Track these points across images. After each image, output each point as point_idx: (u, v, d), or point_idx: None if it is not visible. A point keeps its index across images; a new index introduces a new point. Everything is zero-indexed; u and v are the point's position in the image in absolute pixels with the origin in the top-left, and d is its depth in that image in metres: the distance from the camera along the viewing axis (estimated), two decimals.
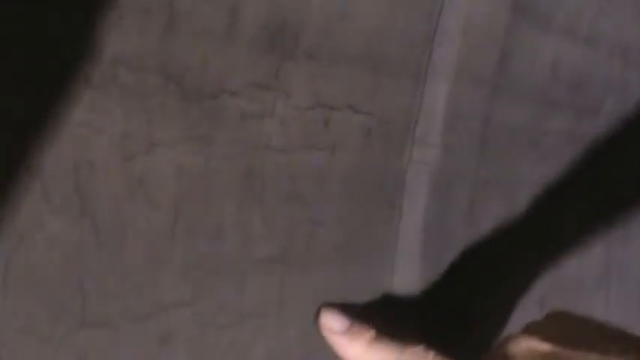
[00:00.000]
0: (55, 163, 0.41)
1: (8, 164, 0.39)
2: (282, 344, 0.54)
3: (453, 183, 0.62)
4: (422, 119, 0.59)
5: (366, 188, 0.57)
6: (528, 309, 0.75)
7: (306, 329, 0.55)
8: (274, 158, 0.51)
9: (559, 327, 0.52)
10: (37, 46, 0.39)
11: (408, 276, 0.60)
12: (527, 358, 0.50)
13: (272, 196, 0.51)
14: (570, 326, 0.52)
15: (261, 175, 0.50)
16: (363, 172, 0.57)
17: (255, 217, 0.50)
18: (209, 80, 0.47)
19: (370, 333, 0.53)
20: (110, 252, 0.44)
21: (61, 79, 0.40)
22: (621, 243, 0.86)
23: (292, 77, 0.51)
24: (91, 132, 0.42)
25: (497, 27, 0.65)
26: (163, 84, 0.45)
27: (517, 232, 0.72)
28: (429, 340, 0.53)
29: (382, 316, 0.59)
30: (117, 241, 0.44)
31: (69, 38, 0.40)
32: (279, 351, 0.54)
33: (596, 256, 0.82)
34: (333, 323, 0.54)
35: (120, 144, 0.43)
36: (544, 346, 0.49)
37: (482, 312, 0.69)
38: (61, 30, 0.40)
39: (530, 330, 0.51)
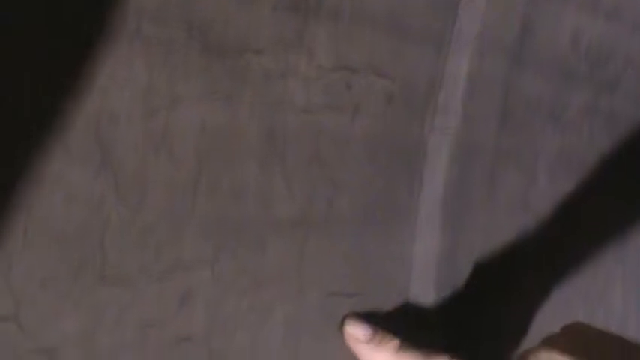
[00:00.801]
0: (76, 115, 0.40)
1: (28, 114, 0.38)
2: (301, 309, 0.53)
3: (474, 152, 0.62)
4: (444, 86, 0.59)
5: (387, 154, 0.56)
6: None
7: (324, 294, 0.54)
8: (296, 118, 0.50)
9: (577, 340, 0.52)
10: None
11: (427, 243, 0.59)
12: None
13: (294, 157, 0.50)
14: (588, 339, 0.53)
15: (283, 135, 0.49)
16: (384, 138, 0.56)
17: (277, 178, 0.50)
18: (233, 37, 0.46)
19: (395, 342, 0.54)
20: (131, 207, 0.43)
21: (83, 31, 0.39)
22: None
23: (316, 37, 0.50)
24: (113, 84, 0.41)
25: None
26: (187, 39, 0.44)
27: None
28: (452, 349, 0.53)
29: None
30: (138, 196, 0.43)
31: None
32: (297, 316, 0.53)
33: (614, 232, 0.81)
34: (357, 332, 0.54)
35: (143, 98, 0.43)
36: (564, 359, 0.49)
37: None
38: None
39: (549, 343, 0.52)
